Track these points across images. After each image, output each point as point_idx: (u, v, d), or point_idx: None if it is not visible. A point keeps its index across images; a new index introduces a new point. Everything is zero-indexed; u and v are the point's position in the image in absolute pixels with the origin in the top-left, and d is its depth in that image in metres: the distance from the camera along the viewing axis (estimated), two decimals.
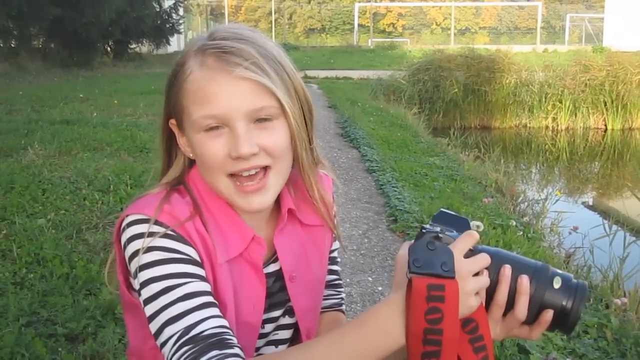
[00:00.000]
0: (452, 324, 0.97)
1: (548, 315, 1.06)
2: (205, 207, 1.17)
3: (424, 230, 1.04)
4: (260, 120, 1.13)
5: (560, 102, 13.76)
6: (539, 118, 13.90)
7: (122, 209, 4.09)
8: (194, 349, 1.02)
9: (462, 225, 1.07)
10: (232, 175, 1.14)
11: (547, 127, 13.86)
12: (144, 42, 22.48)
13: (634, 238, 4.57)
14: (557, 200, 6.24)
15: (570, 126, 13.81)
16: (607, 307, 3.29)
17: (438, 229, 1.05)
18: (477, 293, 1.02)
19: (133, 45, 21.93)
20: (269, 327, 1.27)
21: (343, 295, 1.47)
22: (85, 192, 4.45)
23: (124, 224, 1.14)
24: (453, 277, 0.98)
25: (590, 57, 15.57)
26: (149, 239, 1.09)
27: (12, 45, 17.09)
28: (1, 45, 16.54)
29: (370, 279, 3.60)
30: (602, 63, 14.07)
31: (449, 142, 9.48)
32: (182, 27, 25.54)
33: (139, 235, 1.10)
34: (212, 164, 1.14)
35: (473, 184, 6.30)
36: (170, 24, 22.81)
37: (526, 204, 6.10)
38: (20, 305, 2.60)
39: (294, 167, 1.23)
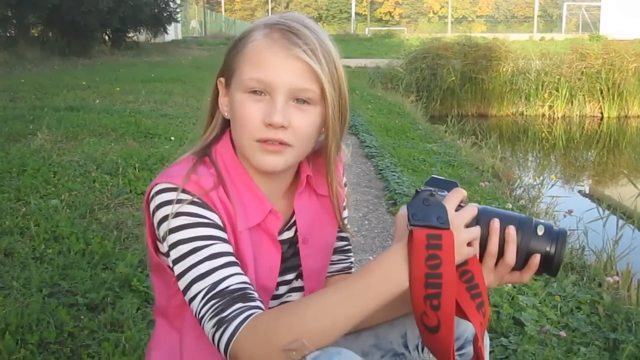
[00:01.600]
0: (450, 268, 1.09)
1: (536, 259, 1.18)
2: (229, 179, 1.26)
3: (419, 190, 1.16)
4: (300, 101, 1.22)
5: (557, 90, 13.80)
6: (536, 106, 13.96)
7: (131, 191, 4.22)
8: (221, 302, 1.12)
9: (451, 187, 1.19)
10: (258, 141, 1.23)
11: (543, 115, 13.91)
12: (142, 30, 22.38)
13: (626, 221, 4.65)
14: (552, 186, 6.34)
15: (567, 114, 13.85)
16: (600, 285, 3.35)
17: (431, 189, 1.17)
18: (469, 244, 1.14)
19: (131, 34, 21.83)
20: (282, 289, 1.37)
21: (352, 259, 1.54)
22: (94, 174, 4.54)
23: (152, 191, 1.21)
24: (448, 228, 1.10)
25: (587, 45, 15.54)
26: (177, 205, 1.17)
27: (11, 34, 17.04)
28: (1, 33, 16.48)
29: (371, 258, 3.70)
30: (599, 51, 14.10)
31: (446, 130, 9.50)
32: (179, 15, 25.45)
33: (168, 202, 1.18)
34: (245, 125, 1.22)
35: (470, 170, 6.38)
36: (168, 13, 22.67)
37: (522, 188, 6.19)
38: (42, 277, 2.72)
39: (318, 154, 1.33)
